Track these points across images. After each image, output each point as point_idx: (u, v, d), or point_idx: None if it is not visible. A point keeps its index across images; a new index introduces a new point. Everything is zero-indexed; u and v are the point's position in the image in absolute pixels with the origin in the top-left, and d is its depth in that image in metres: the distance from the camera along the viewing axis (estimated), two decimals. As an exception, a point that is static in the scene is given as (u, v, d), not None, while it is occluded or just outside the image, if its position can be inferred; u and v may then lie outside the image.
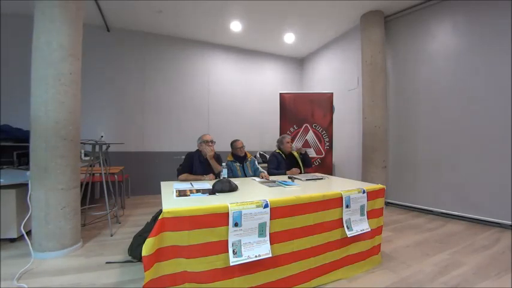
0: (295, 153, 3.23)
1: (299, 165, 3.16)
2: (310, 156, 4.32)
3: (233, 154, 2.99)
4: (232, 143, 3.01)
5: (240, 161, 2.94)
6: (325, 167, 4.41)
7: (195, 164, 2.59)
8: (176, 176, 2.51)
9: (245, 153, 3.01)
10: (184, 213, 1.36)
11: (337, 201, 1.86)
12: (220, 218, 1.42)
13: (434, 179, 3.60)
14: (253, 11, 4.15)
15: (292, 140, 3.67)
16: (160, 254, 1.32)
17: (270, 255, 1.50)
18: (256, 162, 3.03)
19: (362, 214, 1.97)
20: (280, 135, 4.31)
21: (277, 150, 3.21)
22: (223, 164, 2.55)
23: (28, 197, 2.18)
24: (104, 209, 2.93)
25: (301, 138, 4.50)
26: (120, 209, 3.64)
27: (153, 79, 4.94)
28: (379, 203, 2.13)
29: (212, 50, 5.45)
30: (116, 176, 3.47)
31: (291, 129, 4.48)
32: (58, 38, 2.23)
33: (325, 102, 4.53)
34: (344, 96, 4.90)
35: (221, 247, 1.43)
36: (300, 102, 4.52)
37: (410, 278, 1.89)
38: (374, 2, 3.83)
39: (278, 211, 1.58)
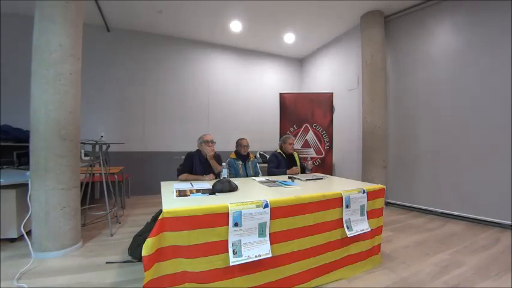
0: (295, 154, 3.24)
1: (297, 165, 3.16)
2: (310, 156, 4.35)
3: (236, 152, 3.01)
4: (238, 140, 3.05)
5: (242, 160, 2.96)
6: (325, 167, 4.41)
7: (195, 164, 2.59)
8: (176, 176, 2.51)
9: (248, 153, 3.03)
10: (184, 213, 1.36)
11: (337, 201, 1.85)
12: (220, 218, 1.42)
13: (434, 179, 3.60)
14: (253, 11, 4.15)
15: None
16: (160, 254, 1.32)
17: (270, 255, 1.50)
18: (258, 164, 3.04)
19: (362, 214, 1.97)
20: (280, 135, 4.32)
21: (278, 150, 3.22)
22: (224, 163, 2.56)
23: (28, 197, 2.18)
24: (104, 209, 2.93)
25: (301, 138, 4.50)
26: (120, 209, 3.64)
27: (153, 79, 4.94)
28: (379, 203, 2.13)
29: (212, 50, 5.45)
30: (116, 176, 3.47)
31: (291, 129, 4.48)
32: (58, 38, 2.23)
33: (325, 102, 4.53)
34: (344, 96, 4.90)
35: (221, 247, 1.43)
36: (300, 102, 4.53)
37: (410, 278, 1.89)
38: (374, 2, 3.83)
39: (278, 211, 1.58)
